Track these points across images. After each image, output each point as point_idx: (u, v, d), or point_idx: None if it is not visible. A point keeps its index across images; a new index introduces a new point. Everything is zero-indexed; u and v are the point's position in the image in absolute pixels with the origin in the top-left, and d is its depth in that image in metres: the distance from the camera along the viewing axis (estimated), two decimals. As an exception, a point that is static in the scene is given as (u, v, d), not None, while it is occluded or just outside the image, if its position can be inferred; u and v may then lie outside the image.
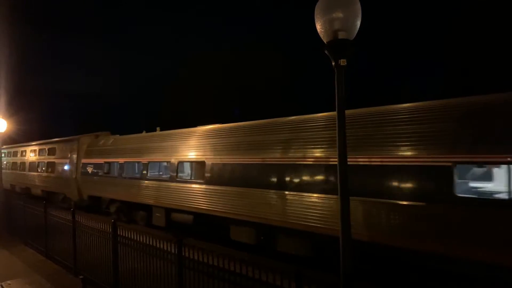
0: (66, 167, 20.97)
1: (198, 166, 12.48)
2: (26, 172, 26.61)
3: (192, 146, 12.73)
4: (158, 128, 16.62)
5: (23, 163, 27.68)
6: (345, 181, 4.24)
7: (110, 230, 7.98)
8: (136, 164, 15.77)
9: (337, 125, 4.28)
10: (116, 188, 16.45)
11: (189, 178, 13.18)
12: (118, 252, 7.78)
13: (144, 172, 14.79)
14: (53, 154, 22.50)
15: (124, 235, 7.67)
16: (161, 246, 6.63)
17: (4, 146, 29.83)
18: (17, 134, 29.33)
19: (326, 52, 4.27)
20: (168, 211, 13.40)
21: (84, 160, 19.41)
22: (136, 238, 7.29)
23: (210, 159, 11.66)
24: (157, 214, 13.95)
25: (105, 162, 17.58)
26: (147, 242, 6.97)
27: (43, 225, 11.47)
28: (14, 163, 29.83)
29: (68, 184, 20.66)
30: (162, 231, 13.42)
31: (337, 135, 4.28)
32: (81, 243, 9.38)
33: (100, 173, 17.84)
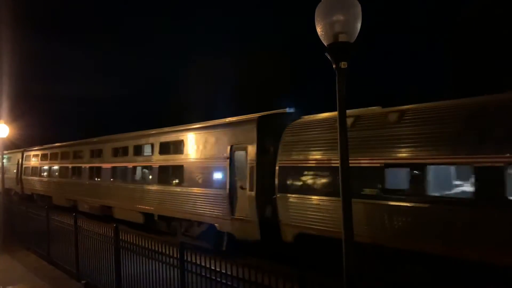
0: (223, 175, 11.59)
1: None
2: (105, 183, 18.45)
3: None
4: None
5: (94, 169, 19.73)
6: (347, 183, 4.22)
7: (112, 235, 7.97)
8: None
9: (338, 127, 4.26)
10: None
11: None
12: (120, 257, 7.77)
13: None
14: (181, 152, 13.64)
15: (126, 239, 7.66)
16: (164, 250, 6.62)
17: (36, 147, 28.86)
18: (19, 139, 29.48)
19: (327, 55, 4.26)
20: None
21: (283, 162, 10.07)
22: (138, 242, 7.28)
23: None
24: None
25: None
26: (149, 247, 6.96)
27: (45, 230, 11.48)
28: (64, 170, 23.38)
29: (234, 209, 11.24)
30: (164, 235, 13.42)
31: (338, 137, 4.26)
32: (84, 248, 9.37)
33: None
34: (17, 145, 30.80)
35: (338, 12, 4.11)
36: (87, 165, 20.59)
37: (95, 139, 21.36)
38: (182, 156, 13.50)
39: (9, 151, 33.14)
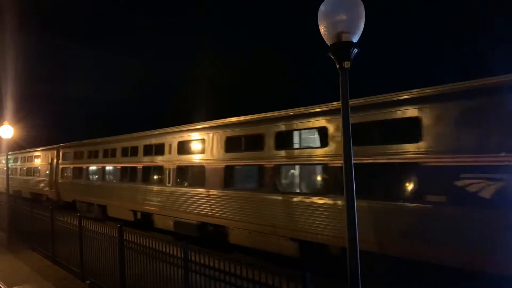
0: None
1: None
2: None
3: None
4: None
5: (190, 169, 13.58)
6: (351, 183, 4.21)
7: (117, 235, 7.99)
8: None
9: (342, 126, 4.26)
10: None
11: None
12: (124, 257, 7.79)
13: None
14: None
15: (130, 239, 7.68)
16: (168, 250, 6.63)
17: (84, 141, 21.73)
18: (24, 140, 29.55)
19: (330, 54, 4.26)
20: None
21: None
22: (143, 242, 7.30)
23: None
24: None
25: None
26: (154, 247, 6.98)
27: (49, 230, 11.53)
28: (130, 171, 16.65)
29: None
30: (168, 235, 13.44)
31: (342, 136, 4.26)
32: (88, 248, 9.40)
33: None
34: (22, 146, 30.83)
35: (341, 11, 4.11)
36: (177, 165, 13.91)
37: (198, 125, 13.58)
38: None
39: (31, 150, 30.09)
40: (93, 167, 20.23)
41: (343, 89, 4.22)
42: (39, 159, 27.24)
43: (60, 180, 23.47)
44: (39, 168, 27.25)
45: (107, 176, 18.82)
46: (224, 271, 5.46)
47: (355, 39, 4.18)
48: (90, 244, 9.27)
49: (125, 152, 17.18)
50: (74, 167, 22.02)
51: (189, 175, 13.58)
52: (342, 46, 4.15)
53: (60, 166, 23.73)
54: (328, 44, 4.25)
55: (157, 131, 15.35)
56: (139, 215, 16.05)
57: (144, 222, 15.54)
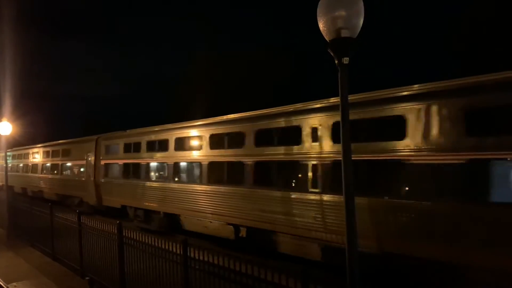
0: None
1: None
2: None
3: None
4: None
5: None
6: (350, 181, 4.21)
7: (116, 232, 8.00)
8: None
9: (341, 123, 4.25)
10: None
11: None
12: (124, 253, 7.80)
13: None
14: None
15: (129, 236, 7.69)
16: (167, 246, 6.64)
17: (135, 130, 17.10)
18: (22, 137, 29.32)
19: (329, 50, 4.24)
20: None
21: None
22: (142, 239, 7.30)
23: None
24: None
25: None
26: (153, 243, 6.98)
27: (49, 227, 11.54)
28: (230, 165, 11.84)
29: None
30: (167, 232, 13.47)
31: (341, 133, 4.25)
32: (87, 244, 9.42)
33: None
34: (21, 143, 30.52)
35: (340, 7, 4.08)
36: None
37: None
38: None
39: (56, 142, 25.02)
40: (158, 164, 15.06)
41: (343, 85, 4.21)
42: (69, 153, 22.17)
43: (102, 180, 18.31)
44: (68, 164, 22.31)
45: (183, 175, 13.91)
46: (224, 267, 5.47)
47: (354, 35, 4.17)
48: (90, 241, 9.28)
49: (219, 141, 12.16)
50: (125, 163, 16.79)
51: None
52: (341, 42, 4.14)
53: (102, 162, 18.46)
54: (327, 40, 4.23)
55: (290, 107, 10.30)
56: (243, 232, 11.24)
57: (254, 242, 10.92)
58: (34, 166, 27.80)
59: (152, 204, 14.91)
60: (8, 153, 31.79)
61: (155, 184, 14.89)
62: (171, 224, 14.29)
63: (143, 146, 15.63)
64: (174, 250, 6.43)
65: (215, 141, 12.24)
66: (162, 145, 14.61)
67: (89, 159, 19.59)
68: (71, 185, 21.56)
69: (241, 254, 5.80)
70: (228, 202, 11.42)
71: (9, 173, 29.87)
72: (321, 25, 4.24)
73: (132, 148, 16.38)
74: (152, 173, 15.41)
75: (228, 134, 11.90)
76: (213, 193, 12.00)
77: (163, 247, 6.73)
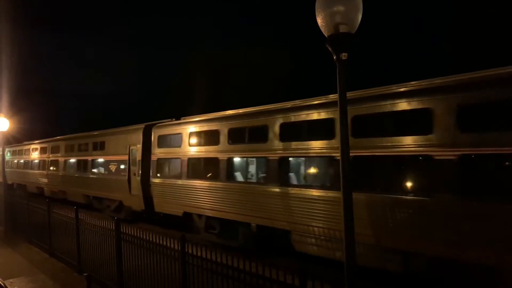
0: None
1: None
2: None
3: None
4: None
5: None
6: (348, 176, 4.20)
7: (113, 228, 7.99)
8: None
9: (339, 118, 4.25)
10: None
11: None
12: (121, 249, 7.80)
13: None
14: None
15: (127, 232, 7.68)
16: (164, 243, 6.63)
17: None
18: (19, 133, 29.08)
19: (327, 46, 4.23)
20: None
21: None
22: (139, 235, 7.29)
23: None
24: None
25: None
26: (150, 239, 6.97)
27: (46, 223, 11.52)
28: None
29: None
30: (164, 228, 13.46)
31: (339, 128, 4.25)
32: (85, 241, 9.40)
33: None
34: (18, 139, 30.25)
35: (338, 2, 4.07)
36: None
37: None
38: None
39: (82, 134, 21.38)
40: (248, 159, 11.37)
41: (341, 80, 4.20)
42: (102, 146, 18.48)
43: (153, 180, 14.46)
44: (101, 160, 18.55)
45: (302, 175, 10.40)
46: (221, 264, 5.46)
47: (352, 30, 4.15)
48: (87, 237, 9.27)
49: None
50: (191, 159, 12.88)
51: None
52: (339, 38, 4.12)
53: (154, 157, 14.57)
54: (326, 35, 4.22)
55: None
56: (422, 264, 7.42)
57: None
58: (54, 162, 23.56)
59: (239, 213, 10.94)
60: (16, 148, 30.40)
61: (244, 187, 10.97)
62: (268, 241, 10.75)
63: (223, 136, 11.61)
64: (172, 246, 6.42)
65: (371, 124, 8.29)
66: (257, 134, 10.65)
67: (134, 153, 15.83)
68: (106, 186, 17.70)
69: (239, 251, 5.80)
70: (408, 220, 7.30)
71: (20, 171, 28.88)
72: (319, 20, 4.23)
73: (204, 138, 12.57)
74: (239, 172, 11.60)
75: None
76: (375, 206, 7.77)
77: (161, 243, 6.72)
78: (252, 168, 11.62)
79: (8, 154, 31.93)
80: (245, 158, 11.35)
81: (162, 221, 14.74)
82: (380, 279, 8.02)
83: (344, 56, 4.15)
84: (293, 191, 9.57)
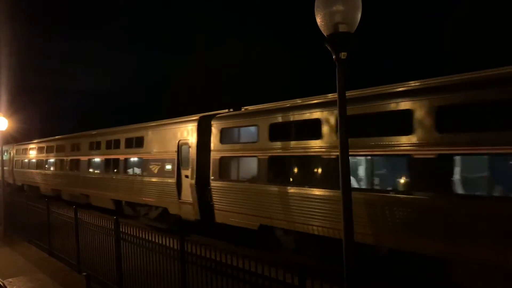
0: None
1: None
2: None
3: None
4: None
5: None
6: (347, 175, 4.21)
7: (113, 227, 7.99)
8: None
9: (339, 118, 4.25)
10: None
11: None
12: (121, 249, 7.79)
13: None
14: None
15: (126, 231, 7.68)
16: (164, 242, 6.63)
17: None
18: (18, 132, 28.89)
19: (326, 45, 4.23)
20: None
21: None
22: (138, 234, 7.30)
23: None
24: None
25: None
26: (150, 238, 6.97)
27: (46, 222, 11.51)
28: None
29: None
30: (164, 227, 13.45)
31: (339, 128, 4.26)
32: (84, 240, 9.39)
33: None
34: (16, 138, 30.03)
35: (338, 2, 4.07)
36: None
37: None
38: None
39: (114, 129, 18.26)
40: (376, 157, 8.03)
41: (340, 80, 4.20)
42: (140, 143, 15.34)
43: (217, 184, 11.56)
44: (137, 159, 15.73)
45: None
46: (221, 263, 5.47)
47: (352, 29, 4.16)
48: (87, 236, 9.26)
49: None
50: (286, 157, 9.77)
51: None
52: (338, 37, 4.12)
53: (217, 156, 11.67)
54: (325, 35, 4.22)
55: None
56: None
57: None
58: (74, 162, 20.67)
59: (364, 233, 7.59)
60: (26, 147, 28.05)
61: (371, 197, 7.69)
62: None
63: (328, 127, 8.68)
64: (171, 245, 6.43)
65: None
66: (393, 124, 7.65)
67: (185, 150, 12.90)
68: (145, 190, 14.67)
69: (238, 249, 5.81)
70: None
71: (32, 171, 26.33)
72: (318, 20, 4.23)
73: (295, 131, 9.64)
74: (360, 175, 8.53)
75: None
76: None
77: (160, 242, 6.72)
78: (380, 169, 8.33)
79: (15, 153, 29.83)
80: (369, 157, 8.07)
81: (224, 234, 11.87)
82: (380, 279, 8.03)
83: (343, 55, 4.16)
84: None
